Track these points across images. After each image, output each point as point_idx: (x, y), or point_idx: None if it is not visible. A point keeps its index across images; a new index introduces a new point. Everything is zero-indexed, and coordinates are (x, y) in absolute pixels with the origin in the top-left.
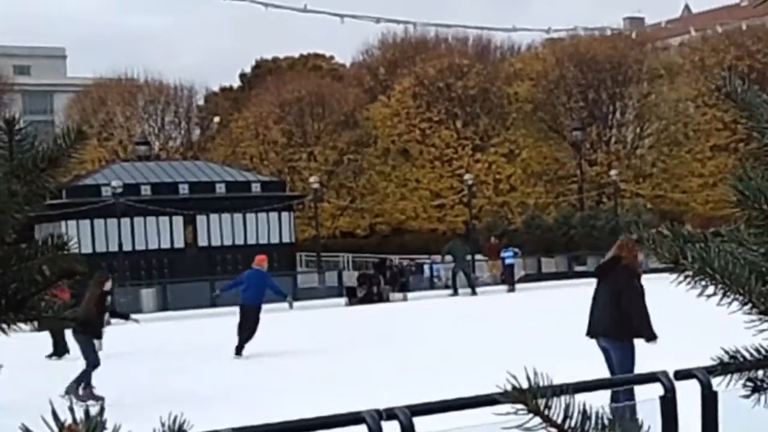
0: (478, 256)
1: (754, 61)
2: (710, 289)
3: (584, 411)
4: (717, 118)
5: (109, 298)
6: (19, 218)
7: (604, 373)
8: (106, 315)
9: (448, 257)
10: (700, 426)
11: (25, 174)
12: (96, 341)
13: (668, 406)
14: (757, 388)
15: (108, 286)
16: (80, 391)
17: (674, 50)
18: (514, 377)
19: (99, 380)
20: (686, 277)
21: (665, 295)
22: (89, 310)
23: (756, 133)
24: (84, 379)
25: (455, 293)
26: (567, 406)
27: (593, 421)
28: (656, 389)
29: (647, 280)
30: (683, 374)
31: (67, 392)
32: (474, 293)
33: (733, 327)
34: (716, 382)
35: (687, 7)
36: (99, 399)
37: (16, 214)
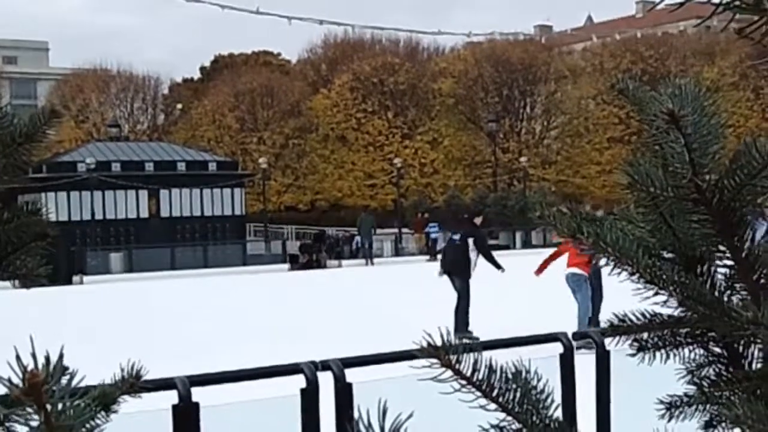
0: (405, 230)
1: (647, 66)
2: (603, 261)
3: (490, 366)
4: (614, 114)
5: None
6: None
7: (514, 331)
8: None
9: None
10: (594, 380)
11: (4, 147)
12: None
13: (567, 363)
14: (642, 348)
15: None
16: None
17: (578, 54)
18: (430, 335)
19: (69, 332)
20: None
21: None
22: None
23: (645, 124)
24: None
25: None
26: (475, 362)
27: (498, 375)
28: (557, 348)
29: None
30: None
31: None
32: (371, 263)
33: (623, 295)
34: (608, 342)
35: (590, 17)
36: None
37: None
